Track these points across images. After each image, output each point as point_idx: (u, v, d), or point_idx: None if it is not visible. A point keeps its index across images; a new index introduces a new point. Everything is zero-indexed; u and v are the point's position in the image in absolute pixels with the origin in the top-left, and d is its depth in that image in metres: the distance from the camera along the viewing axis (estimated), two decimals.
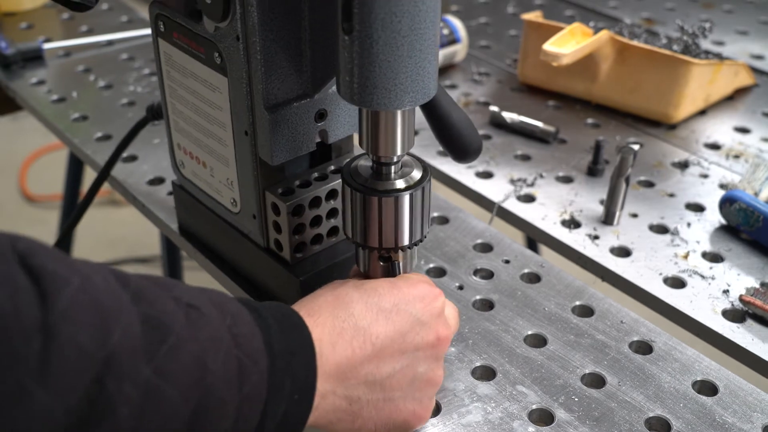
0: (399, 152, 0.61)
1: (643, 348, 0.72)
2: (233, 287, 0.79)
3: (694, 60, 1.03)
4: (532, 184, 0.96)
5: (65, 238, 1.06)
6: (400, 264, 0.65)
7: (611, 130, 1.07)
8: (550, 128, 1.04)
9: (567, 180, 0.97)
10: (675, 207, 0.92)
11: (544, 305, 0.77)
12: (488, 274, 0.81)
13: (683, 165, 1.00)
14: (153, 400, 0.45)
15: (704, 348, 0.75)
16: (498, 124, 1.07)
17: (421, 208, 0.63)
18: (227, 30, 0.63)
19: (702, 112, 1.11)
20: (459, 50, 1.21)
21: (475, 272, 0.81)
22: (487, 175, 0.98)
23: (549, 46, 1.00)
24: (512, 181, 0.96)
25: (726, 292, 0.79)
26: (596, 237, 0.87)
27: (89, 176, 1.23)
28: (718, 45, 1.29)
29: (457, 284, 0.79)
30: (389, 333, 0.59)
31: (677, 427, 0.65)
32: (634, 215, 0.90)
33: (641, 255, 0.84)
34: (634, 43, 1.06)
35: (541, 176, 0.97)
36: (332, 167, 0.72)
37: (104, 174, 0.91)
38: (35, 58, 1.23)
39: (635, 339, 0.73)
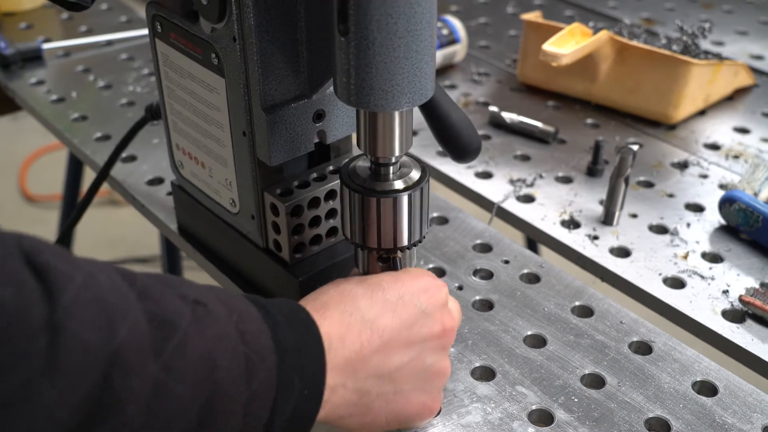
0: (397, 153, 0.61)
1: (643, 348, 0.72)
2: (232, 288, 0.78)
3: (694, 60, 1.03)
4: (531, 185, 0.96)
5: (65, 238, 1.06)
6: (400, 263, 0.65)
7: (611, 131, 1.07)
8: (550, 128, 1.04)
9: (566, 180, 0.97)
10: (674, 207, 0.92)
11: (544, 305, 0.77)
12: (488, 275, 0.81)
13: (683, 165, 1.00)
14: (161, 397, 0.45)
15: (704, 348, 0.75)
16: (497, 124, 1.07)
17: (420, 209, 0.63)
18: (224, 31, 0.63)
19: (701, 113, 1.11)
20: (458, 50, 1.21)
21: (475, 272, 0.81)
22: (486, 175, 0.98)
23: (548, 46, 1.00)
24: (512, 182, 0.96)
25: (726, 292, 0.79)
26: (596, 237, 0.87)
27: (89, 176, 1.23)
28: (717, 45, 1.29)
29: (456, 284, 0.79)
30: (396, 325, 0.59)
31: (677, 427, 0.64)
32: (634, 215, 0.90)
33: (641, 255, 0.84)
34: (634, 43, 1.06)
35: (541, 176, 0.97)
36: (331, 168, 0.72)
37: (104, 174, 0.91)
38: (34, 58, 1.23)
39: (635, 339, 0.73)
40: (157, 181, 0.95)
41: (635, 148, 0.86)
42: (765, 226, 0.83)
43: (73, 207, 1.61)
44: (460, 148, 0.62)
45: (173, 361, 0.46)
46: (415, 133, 0.59)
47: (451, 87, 1.18)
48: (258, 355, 0.51)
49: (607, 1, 1.46)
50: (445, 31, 1.19)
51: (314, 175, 0.71)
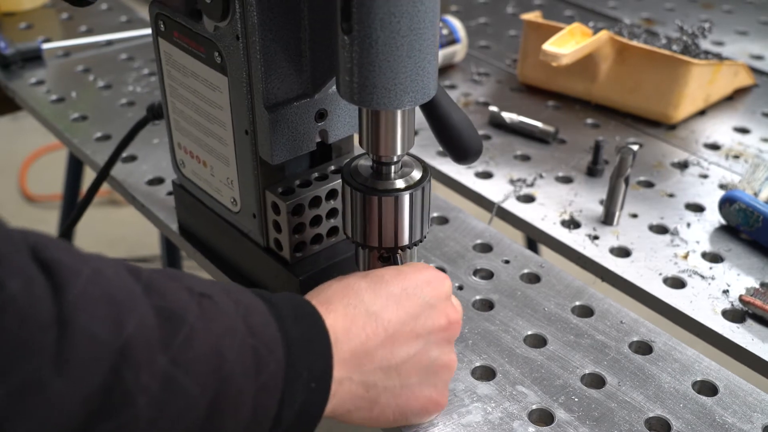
0: (399, 152, 0.61)
1: (643, 348, 0.72)
2: None
3: (694, 60, 1.03)
4: (531, 185, 0.96)
5: (65, 238, 1.06)
6: (401, 260, 0.66)
7: (611, 131, 1.07)
8: (550, 128, 1.04)
9: (567, 180, 0.97)
10: (675, 207, 0.92)
11: (544, 305, 0.77)
12: (488, 275, 0.81)
13: (683, 165, 1.00)
14: (170, 391, 0.45)
15: (704, 348, 0.75)
16: (497, 124, 1.07)
17: (421, 208, 0.64)
18: (227, 29, 0.63)
19: (701, 113, 1.11)
20: (458, 50, 1.21)
21: (475, 272, 0.81)
22: (486, 175, 0.98)
23: (548, 46, 1.00)
24: (512, 182, 0.96)
25: (726, 292, 0.79)
26: (596, 237, 0.87)
27: (89, 176, 1.23)
28: (717, 45, 1.29)
29: (456, 284, 0.79)
30: (401, 317, 0.59)
31: (677, 427, 0.64)
32: (634, 215, 0.90)
33: (641, 255, 0.84)
34: (634, 43, 1.06)
35: (541, 176, 0.97)
36: (332, 167, 0.72)
37: (104, 174, 0.91)
38: (34, 58, 1.23)
39: (635, 339, 0.73)
40: (158, 180, 0.95)
41: (635, 148, 0.87)
42: (765, 226, 0.83)
43: (73, 207, 1.61)
44: (461, 149, 0.62)
45: (182, 355, 0.46)
46: (415, 133, 0.59)
47: (451, 87, 1.18)
48: (266, 347, 0.51)
49: (607, 1, 1.46)
50: (445, 31, 1.20)
51: (316, 174, 0.71)
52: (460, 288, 0.79)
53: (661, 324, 0.76)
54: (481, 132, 1.06)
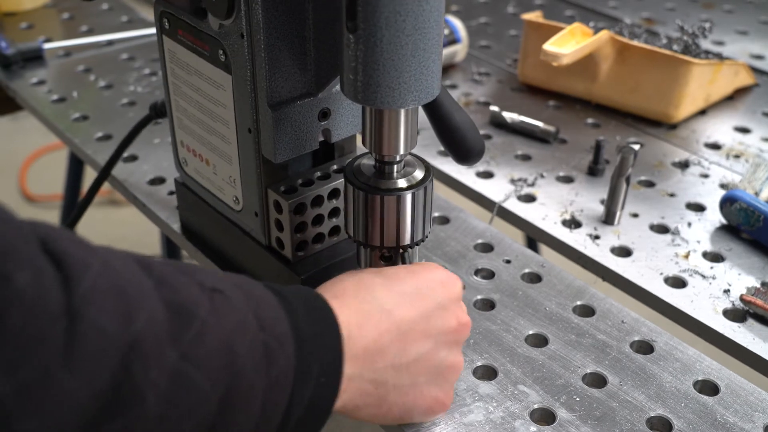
0: (402, 151, 0.61)
1: (644, 348, 0.73)
2: None
3: (695, 60, 1.03)
4: (532, 184, 0.96)
5: None
6: (408, 259, 0.66)
7: (611, 130, 1.07)
8: (551, 128, 1.04)
9: (567, 180, 0.97)
10: (675, 207, 0.92)
11: (545, 305, 0.77)
12: (489, 274, 0.81)
13: (684, 165, 1.00)
14: (181, 386, 0.45)
15: (705, 348, 0.75)
16: (498, 124, 1.07)
17: (423, 208, 0.64)
18: (232, 27, 0.63)
19: (702, 112, 1.11)
20: (459, 50, 1.21)
21: (476, 272, 0.81)
22: (487, 175, 0.98)
23: (549, 46, 1.00)
24: (513, 181, 0.96)
25: (727, 291, 0.79)
26: (597, 237, 0.87)
27: (89, 176, 1.23)
28: (718, 45, 1.29)
29: None
30: (414, 316, 0.59)
31: (678, 426, 0.65)
32: (635, 215, 0.90)
33: (642, 255, 0.84)
34: (634, 43, 1.06)
35: (542, 176, 0.97)
36: (335, 167, 0.72)
37: (105, 173, 0.91)
38: (35, 58, 1.23)
39: (636, 339, 0.73)
40: (159, 180, 0.95)
41: (636, 147, 0.87)
42: (766, 225, 0.83)
43: (74, 207, 1.61)
44: (463, 150, 0.62)
45: (192, 350, 0.46)
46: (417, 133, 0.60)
47: (452, 87, 1.18)
48: (277, 341, 0.51)
49: (607, 1, 1.46)
50: (445, 31, 1.20)
51: (318, 173, 0.71)
52: (462, 288, 0.79)
53: (662, 323, 0.76)
54: (481, 132, 1.06)
